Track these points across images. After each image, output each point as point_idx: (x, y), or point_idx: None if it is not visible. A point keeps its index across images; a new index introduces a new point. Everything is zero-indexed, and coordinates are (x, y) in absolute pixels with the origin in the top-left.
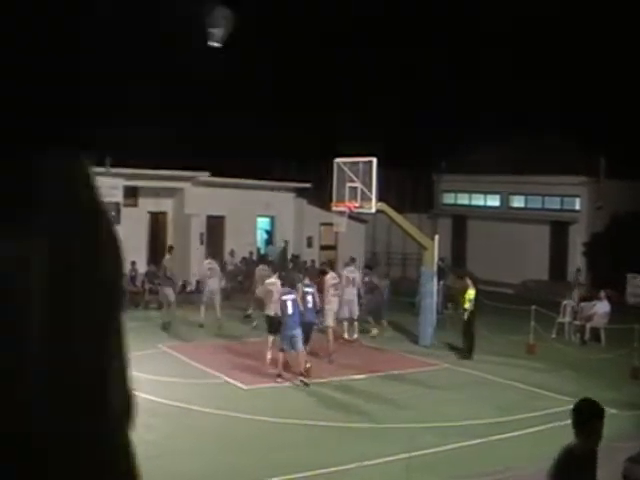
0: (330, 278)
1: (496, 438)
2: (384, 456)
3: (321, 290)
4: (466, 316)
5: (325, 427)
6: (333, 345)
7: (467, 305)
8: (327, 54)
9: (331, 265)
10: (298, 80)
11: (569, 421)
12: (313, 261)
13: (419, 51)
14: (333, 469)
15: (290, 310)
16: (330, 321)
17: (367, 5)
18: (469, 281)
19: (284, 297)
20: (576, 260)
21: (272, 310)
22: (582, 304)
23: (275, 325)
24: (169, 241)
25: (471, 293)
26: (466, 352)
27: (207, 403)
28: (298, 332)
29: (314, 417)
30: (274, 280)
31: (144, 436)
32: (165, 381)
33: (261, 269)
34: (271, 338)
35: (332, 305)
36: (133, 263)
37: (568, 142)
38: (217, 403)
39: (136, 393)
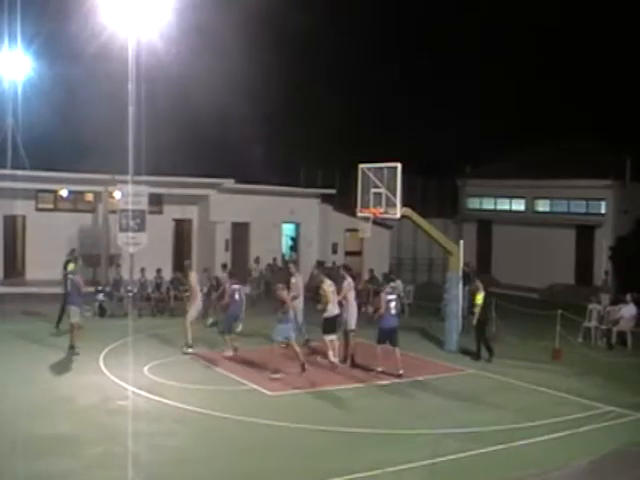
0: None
1: (521, 443)
2: (408, 462)
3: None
4: (475, 320)
5: (348, 433)
6: (353, 349)
7: (476, 309)
8: (356, 61)
9: (346, 269)
10: (324, 86)
11: (595, 425)
12: (339, 267)
13: (443, 56)
14: (356, 475)
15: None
16: (352, 325)
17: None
18: (479, 284)
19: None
20: (602, 264)
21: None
22: (608, 308)
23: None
24: (194, 248)
25: (479, 297)
26: (476, 354)
27: (231, 409)
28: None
29: (338, 423)
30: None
31: (168, 442)
32: (190, 388)
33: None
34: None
35: (353, 309)
36: (158, 270)
37: (593, 145)
38: (241, 409)
39: (161, 399)
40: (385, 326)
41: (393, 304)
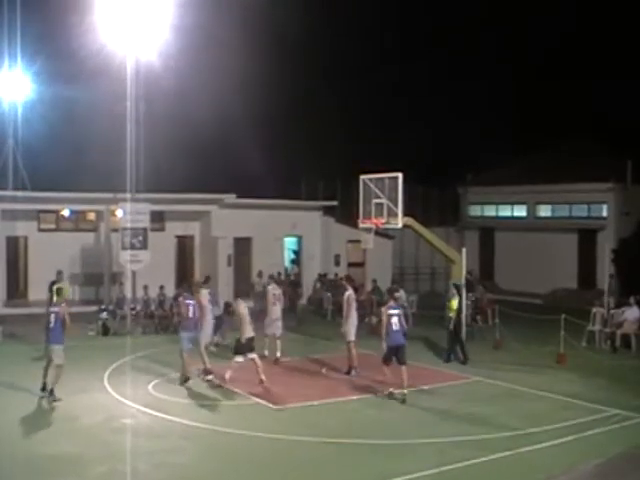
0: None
1: (527, 449)
2: (414, 472)
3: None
4: (452, 325)
5: (354, 444)
6: (356, 360)
7: (452, 314)
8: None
9: (348, 280)
10: (323, 98)
11: (601, 429)
12: (341, 278)
13: (444, 63)
14: None
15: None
16: (351, 336)
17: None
18: (454, 291)
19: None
20: (605, 267)
21: None
22: (612, 311)
23: None
24: (197, 264)
25: (454, 302)
26: (449, 357)
27: (236, 424)
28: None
29: (343, 435)
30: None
31: (174, 459)
32: (195, 404)
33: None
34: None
35: (353, 319)
36: (161, 287)
37: (594, 148)
38: (246, 424)
39: (166, 416)
40: (391, 344)
41: (395, 319)
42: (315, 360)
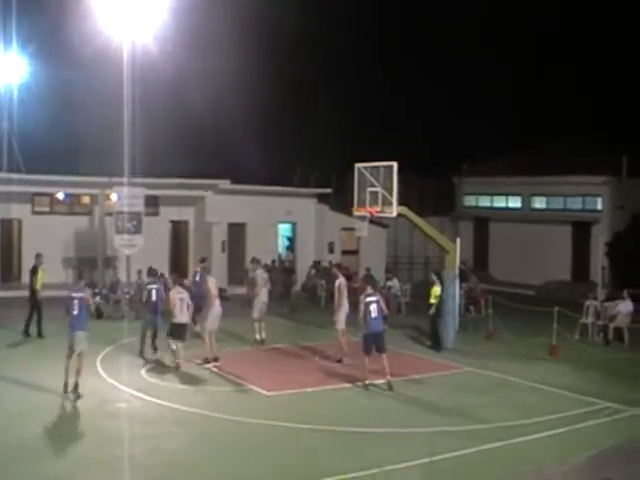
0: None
1: (519, 440)
2: (406, 461)
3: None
4: (433, 310)
5: (346, 432)
6: (346, 347)
7: (433, 300)
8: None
9: (339, 268)
10: (320, 86)
11: (593, 422)
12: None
13: (440, 54)
14: (354, 474)
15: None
16: (342, 324)
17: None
18: (434, 277)
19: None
20: (598, 260)
21: None
22: (605, 304)
23: None
24: (191, 249)
25: (437, 290)
26: (436, 345)
27: (229, 410)
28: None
29: (335, 423)
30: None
31: (167, 444)
32: (188, 389)
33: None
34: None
35: (345, 307)
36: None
37: (590, 142)
38: (239, 410)
39: (159, 401)
40: (368, 332)
41: (374, 306)
42: (308, 347)
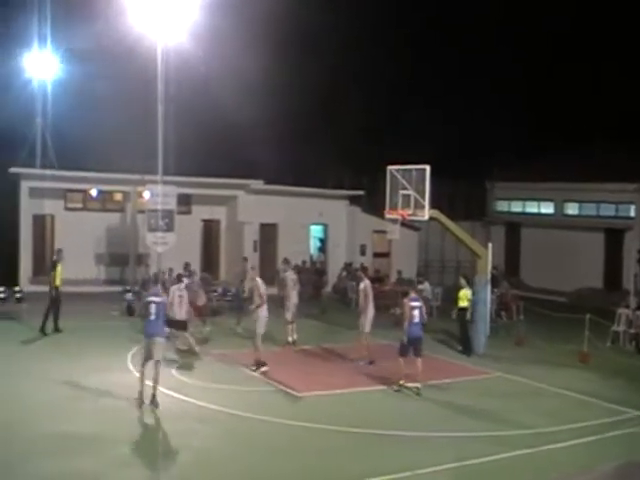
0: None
1: (548, 448)
2: (434, 465)
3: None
4: (468, 316)
5: (374, 435)
6: (367, 351)
7: (466, 304)
8: (385, 62)
9: (364, 271)
10: (352, 87)
11: (622, 431)
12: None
13: (473, 56)
14: (383, 477)
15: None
16: (367, 327)
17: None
18: (463, 281)
19: None
20: (631, 267)
21: None
22: (637, 312)
23: None
24: (222, 249)
25: (467, 293)
26: (467, 349)
27: (258, 410)
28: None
29: (364, 425)
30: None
31: (194, 442)
32: (218, 388)
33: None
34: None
35: (370, 313)
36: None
37: (622, 149)
38: (267, 410)
39: (189, 399)
40: (410, 336)
41: (416, 312)
42: (338, 349)
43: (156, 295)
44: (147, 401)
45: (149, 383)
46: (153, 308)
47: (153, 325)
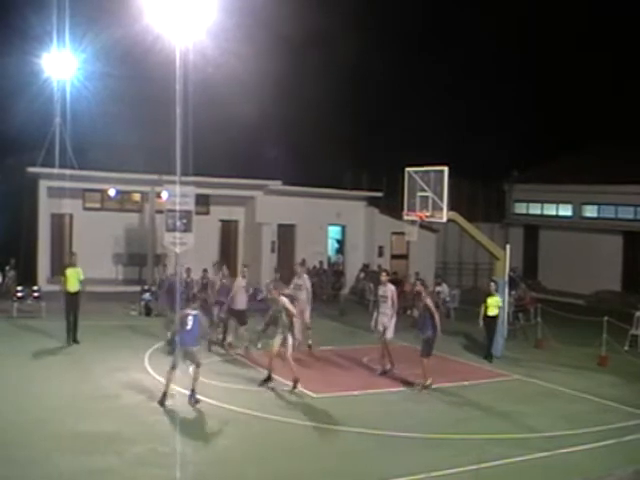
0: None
1: (566, 451)
2: (452, 467)
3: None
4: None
5: (391, 436)
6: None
7: (496, 312)
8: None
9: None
10: (370, 88)
11: None
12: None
13: (491, 58)
14: (401, 479)
15: None
16: (391, 334)
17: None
18: (494, 286)
19: None
20: None
21: None
22: None
23: None
24: (240, 249)
25: (498, 300)
26: (489, 355)
27: (276, 411)
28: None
29: (383, 426)
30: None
31: (212, 442)
32: (235, 388)
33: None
34: None
35: (394, 318)
36: (204, 270)
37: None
38: (285, 411)
39: (206, 399)
40: (436, 335)
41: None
42: (355, 350)
43: (193, 309)
44: (169, 401)
45: (173, 386)
46: (190, 319)
47: (188, 335)
